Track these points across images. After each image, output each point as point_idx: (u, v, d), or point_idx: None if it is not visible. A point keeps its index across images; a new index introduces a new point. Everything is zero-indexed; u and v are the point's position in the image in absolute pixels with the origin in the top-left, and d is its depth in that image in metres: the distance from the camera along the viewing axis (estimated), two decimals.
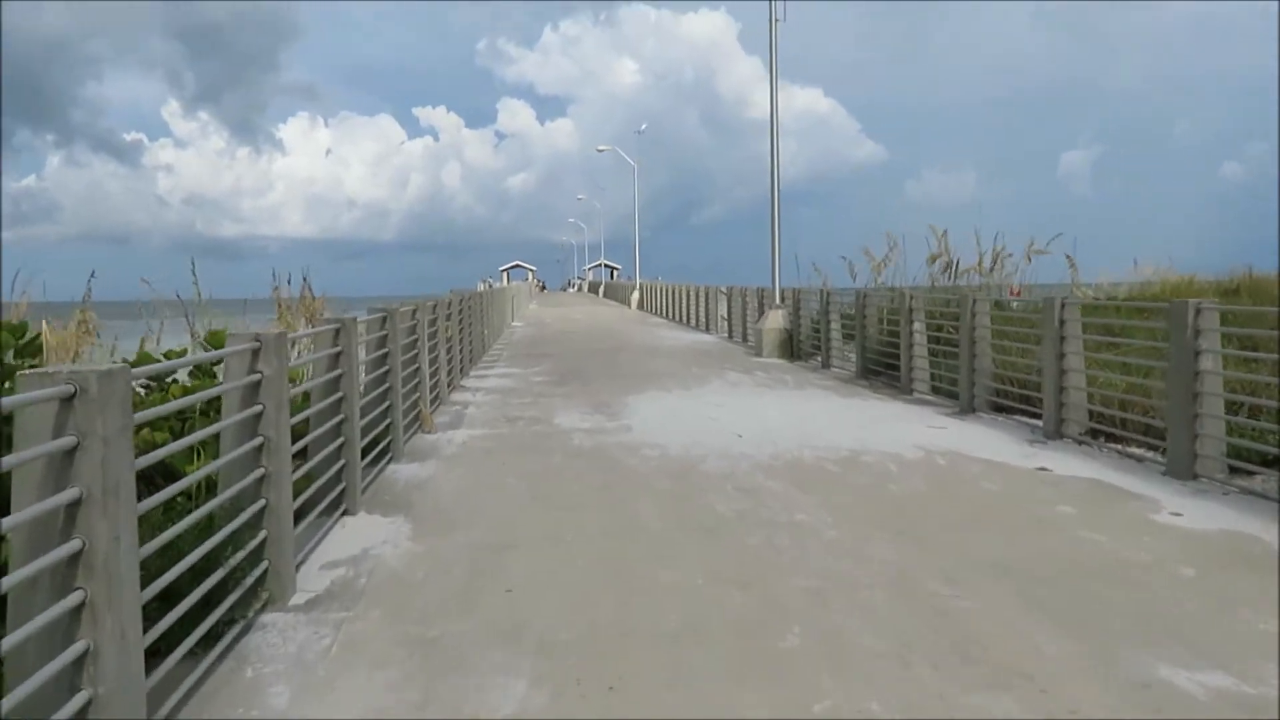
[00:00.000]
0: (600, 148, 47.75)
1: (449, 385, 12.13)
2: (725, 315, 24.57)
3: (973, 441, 8.03)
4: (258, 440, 4.32)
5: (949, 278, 14.91)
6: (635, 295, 43.01)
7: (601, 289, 72.02)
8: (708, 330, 25.68)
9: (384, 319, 7.90)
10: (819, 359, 15.47)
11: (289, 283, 10.45)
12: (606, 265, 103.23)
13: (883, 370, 12.73)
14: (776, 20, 17.22)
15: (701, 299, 27.62)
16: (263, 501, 4.33)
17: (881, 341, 13.04)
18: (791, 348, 16.84)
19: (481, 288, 49.78)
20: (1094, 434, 8.10)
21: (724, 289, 24.78)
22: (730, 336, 22.47)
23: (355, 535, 5.51)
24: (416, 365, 9.30)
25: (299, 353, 9.04)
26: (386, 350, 7.88)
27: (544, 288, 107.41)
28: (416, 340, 9.39)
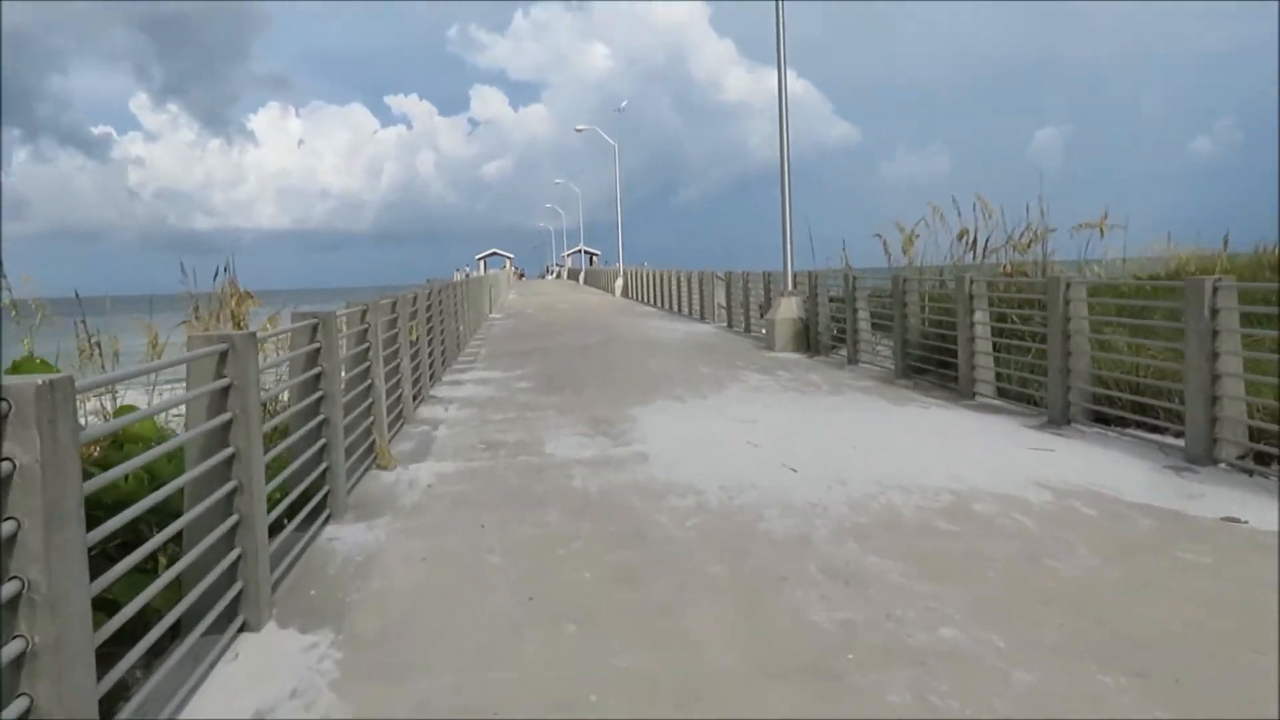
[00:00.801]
0: (579, 127, 45.44)
1: (416, 398, 10.08)
2: (724, 303, 22.58)
3: (1102, 473, 6.06)
4: (11, 586, 2.28)
5: (973, 256, 13.10)
6: (619, 282, 40.93)
7: (582, 276, 69.83)
8: (703, 319, 23.69)
9: (314, 328, 5.81)
10: (842, 353, 13.52)
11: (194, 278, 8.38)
12: (586, 251, 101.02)
13: (929, 368, 10.78)
14: None
15: (694, 286, 25.61)
16: (24, 702, 2.29)
17: (927, 334, 11.08)
18: (808, 340, 14.87)
19: (458, 277, 47.57)
20: (1260, 459, 6.16)
21: (720, 274, 22.79)
22: (730, 327, 20.48)
23: (250, 678, 3.48)
24: (369, 382, 7.24)
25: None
26: (320, 370, 5.79)
27: (522, 275, 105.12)
28: (369, 350, 7.33)
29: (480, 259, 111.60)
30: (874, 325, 12.94)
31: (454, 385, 11.96)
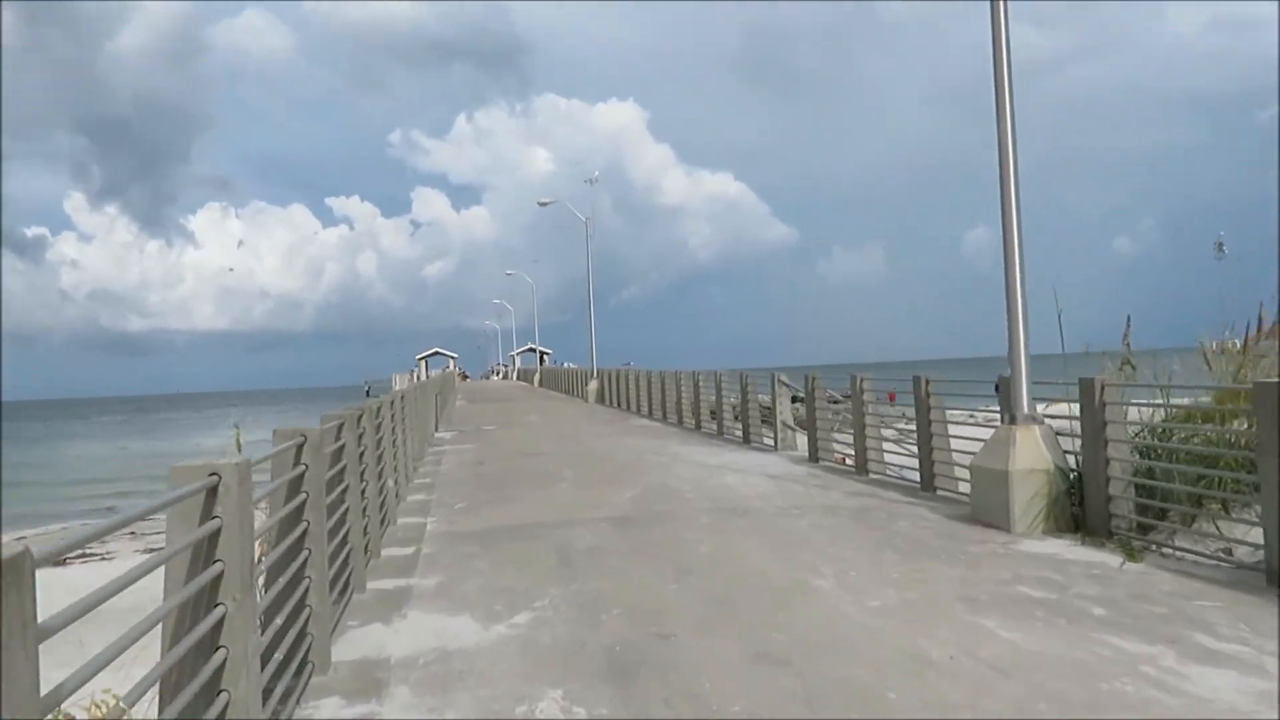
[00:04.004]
0: (543, 200, 38.29)
1: None
2: (790, 422, 15.27)
3: None
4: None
5: None
6: (594, 385, 33.50)
7: (537, 376, 62.22)
8: (747, 442, 16.30)
9: None
10: (1174, 549, 6.33)
11: None
12: (536, 350, 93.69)
13: None
14: None
15: (722, 393, 18.26)
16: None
17: None
18: (1070, 508, 7.59)
19: (398, 384, 39.37)
20: None
21: (783, 377, 15.51)
22: (814, 459, 13.12)
23: None
24: None
25: None
26: None
27: (465, 376, 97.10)
28: None
29: (421, 359, 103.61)
30: None
31: (362, 684, 4.36)
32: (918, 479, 10.37)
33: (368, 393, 75.66)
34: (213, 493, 3.05)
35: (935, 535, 7.58)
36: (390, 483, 9.17)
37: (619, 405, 29.67)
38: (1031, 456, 7.70)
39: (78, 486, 34.87)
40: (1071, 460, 7.79)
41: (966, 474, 10.05)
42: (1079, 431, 7.76)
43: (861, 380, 11.80)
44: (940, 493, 9.87)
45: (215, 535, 3.06)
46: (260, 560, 4.78)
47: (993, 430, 9.41)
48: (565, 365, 64.93)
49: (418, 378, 49.92)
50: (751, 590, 6.00)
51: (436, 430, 21.43)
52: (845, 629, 5.06)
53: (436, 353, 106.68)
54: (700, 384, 20.05)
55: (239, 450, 6.07)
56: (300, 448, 4.75)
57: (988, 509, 7.98)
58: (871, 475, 11.43)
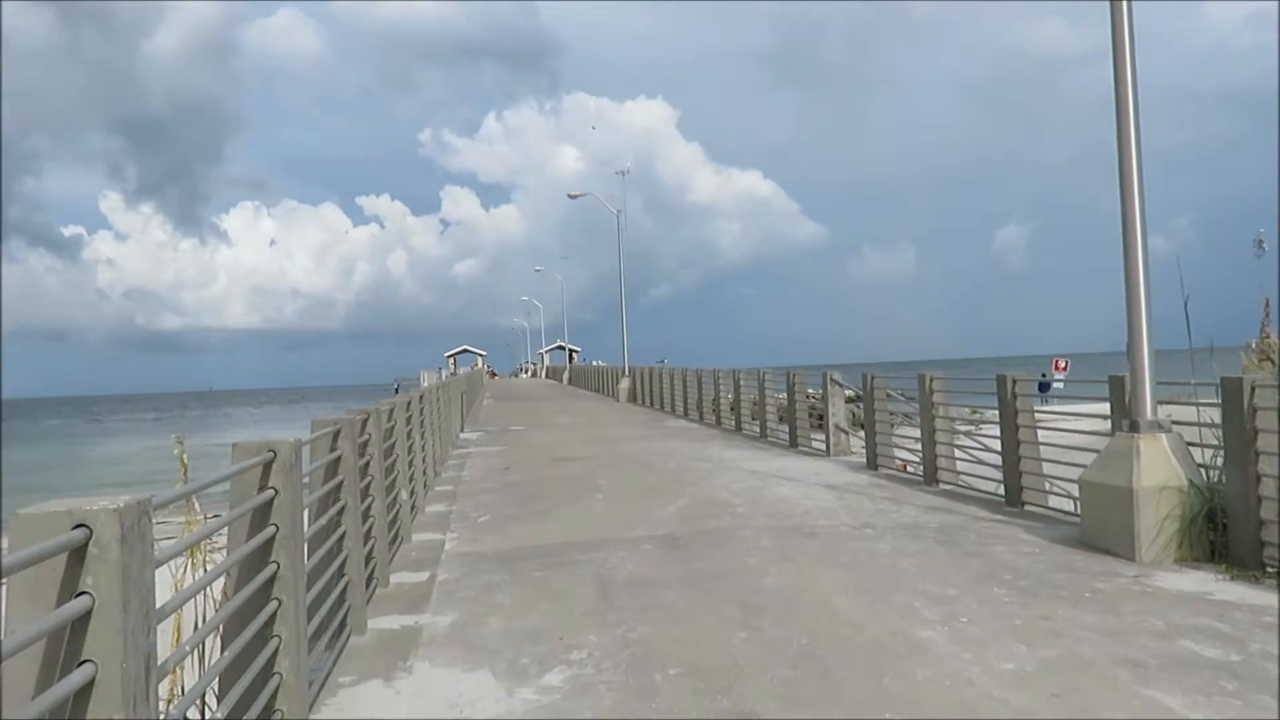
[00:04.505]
0: (574, 193, 37.22)
1: None
2: (842, 424, 14.03)
3: None
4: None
5: None
6: (626, 383, 32.37)
7: (566, 374, 61.23)
8: (794, 446, 15.12)
9: None
10: None
11: None
12: (566, 348, 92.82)
13: None
14: None
15: (771, 392, 17.07)
16: None
17: None
18: (1210, 534, 6.34)
19: (425, 381, 38.59)
20: None
21: (836, 375, 14.26)
22: (873, 467, 11.90)
23: None
24: None
25: None
26: None
27: (494, 374, 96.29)
28: None
29: (450, 356, 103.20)
30: None
31: None
32: (998, 491, 9.18)
33: (396, 390, 75.14)
34: (79, 552, 1.95)
35: (1047, 565, 6.35)
36: (405, 495, 8.08)
37: (652, 405, 28.51)
38: (1162, 471, 6.45)
39: (105, 489, 34.25)
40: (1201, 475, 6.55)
41: (1056, 487, 8.92)
42: (1208, 440, 6.60)
43: (932, 380, 10.55)
44: (1029, 508, 8.64)
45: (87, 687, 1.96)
46: (218, 611, 3.68)
47: (1070, 436, 8.49)
48: (595, 363, 63.86)
49: (447, 375, 49.11)
50: (841, 642, 4.82)
51: (462, 431, 20.40)
52: (980, 706, 3.87)
53: (465, 350, 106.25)
54: (741, 383, 18.87)
55: (184, 472, 4.96)
56: (268, 467, 3.63)
57: (1104, 532, 6.73)
58: (942, 486, 10.21)
